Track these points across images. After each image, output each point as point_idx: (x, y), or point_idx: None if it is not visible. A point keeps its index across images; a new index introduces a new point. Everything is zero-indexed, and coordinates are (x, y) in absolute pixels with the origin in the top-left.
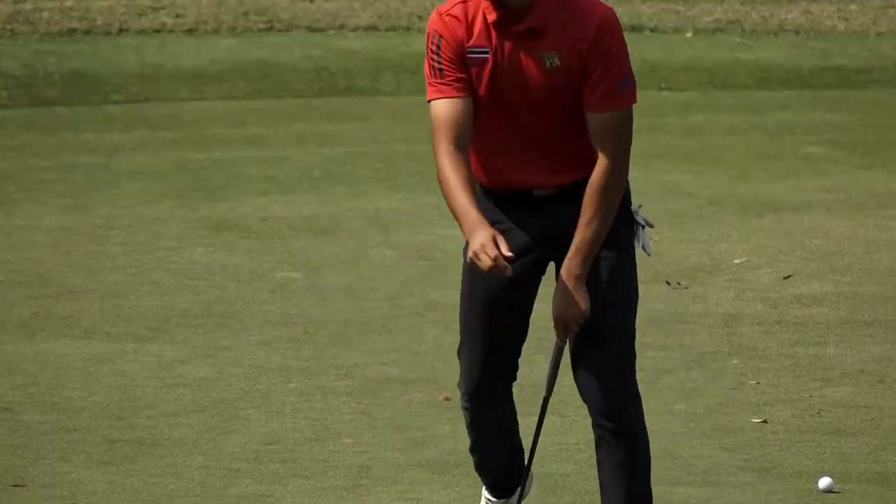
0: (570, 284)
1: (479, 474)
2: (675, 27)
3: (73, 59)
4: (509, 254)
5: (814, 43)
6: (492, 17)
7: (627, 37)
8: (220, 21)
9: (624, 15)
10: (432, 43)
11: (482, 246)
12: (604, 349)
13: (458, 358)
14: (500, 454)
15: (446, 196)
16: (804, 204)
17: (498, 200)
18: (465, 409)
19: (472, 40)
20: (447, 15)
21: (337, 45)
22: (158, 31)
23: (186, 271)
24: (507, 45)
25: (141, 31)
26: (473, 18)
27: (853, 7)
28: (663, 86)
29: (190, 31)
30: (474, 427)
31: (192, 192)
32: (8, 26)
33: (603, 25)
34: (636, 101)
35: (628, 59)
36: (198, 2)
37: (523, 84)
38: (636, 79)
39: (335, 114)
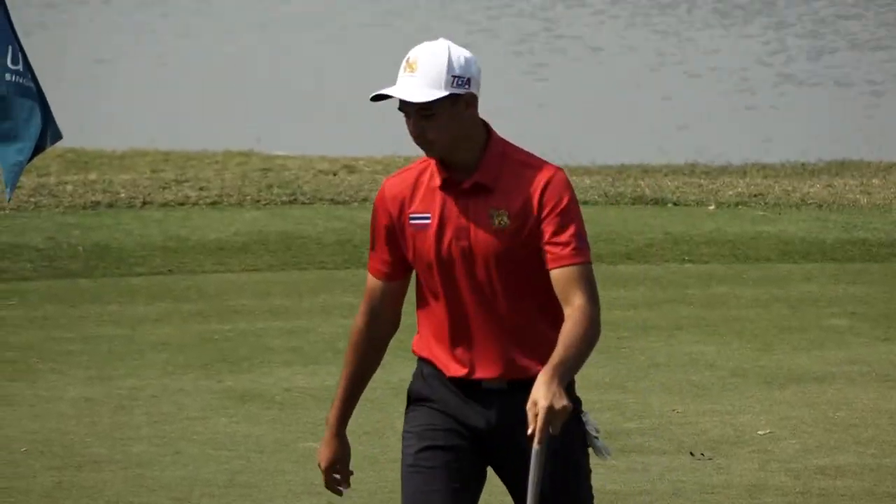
0: (553, 383)
1: None
2: (697, 200)
3: (96, 231)
4: (339, 487)
5: (836, 216)
6: (437, 181)
7: (651, 210)
8: (244, 194)
9: (647, 188)
10: (372, 218)
11: (323, 471)
12: None
13: None
14: None
15: (344, 360)
16: (827, 375)
17: (444, 385)
18: None
19: (415, 206)
20: (388, 186)
21: (360, 218)
22: (182, 204)
23: (210, 442)
24: (453, 206)
25: (165, 204)
26: (418, 182)
27: (875, 181)
28: (686, 258)
29: (214, 204)
30: None
31: (216, 363)
32: (32, 199)
33: (553, 182)
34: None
35: (581, 218)
36: (221, 175)
37: (470, 246)
38: (660, 251)
39: (359, 285)
